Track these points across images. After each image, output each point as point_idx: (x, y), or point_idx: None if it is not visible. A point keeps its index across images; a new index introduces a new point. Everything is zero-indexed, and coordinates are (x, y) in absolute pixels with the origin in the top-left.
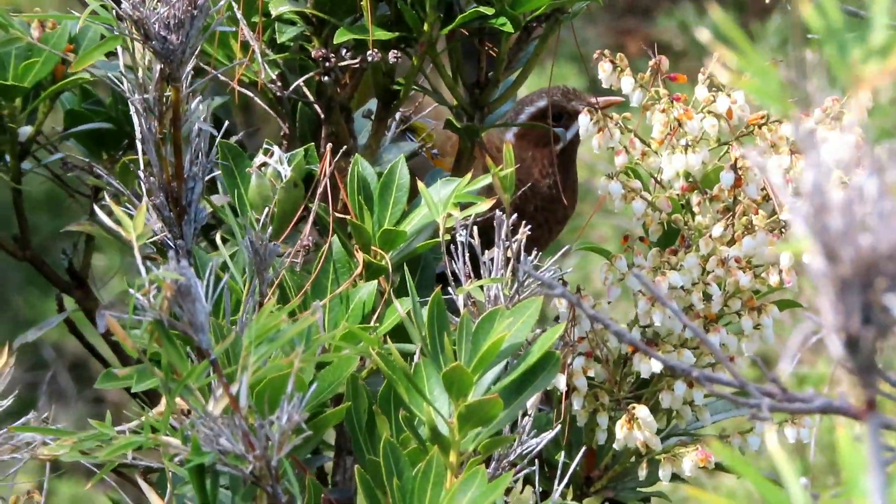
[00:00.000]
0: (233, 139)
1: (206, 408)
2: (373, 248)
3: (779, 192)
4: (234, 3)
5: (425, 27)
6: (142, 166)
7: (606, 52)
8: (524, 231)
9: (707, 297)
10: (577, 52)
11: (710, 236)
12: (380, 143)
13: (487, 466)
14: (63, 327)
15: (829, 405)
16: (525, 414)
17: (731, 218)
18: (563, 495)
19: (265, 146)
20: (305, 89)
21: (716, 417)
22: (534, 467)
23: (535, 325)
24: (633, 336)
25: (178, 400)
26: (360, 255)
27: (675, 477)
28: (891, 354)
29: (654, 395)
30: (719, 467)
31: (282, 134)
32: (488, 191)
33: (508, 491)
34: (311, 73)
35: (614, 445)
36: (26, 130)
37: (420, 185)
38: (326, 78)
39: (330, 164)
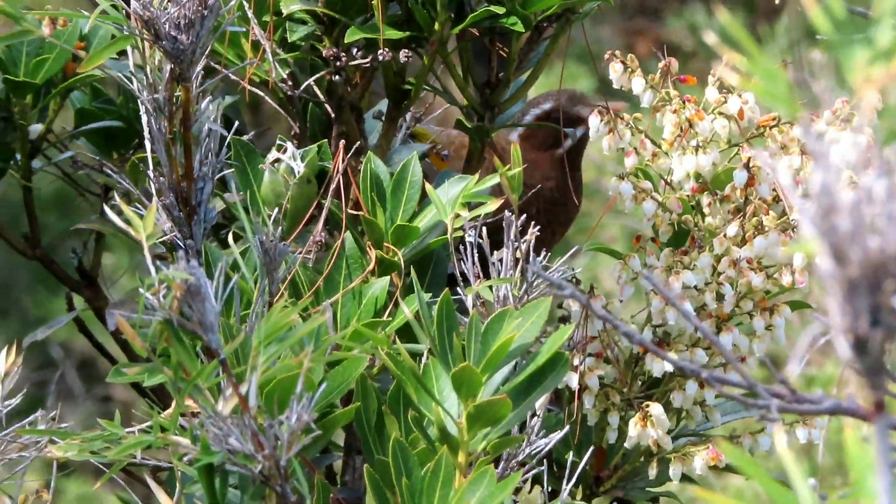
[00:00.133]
0: (243, 139)
1: (216, 407)
2: (385, 244)
3: (789, 193)
4: (244, 3)
5: (436, 27)
6: (151, 166)
7: (617, 52)
8: (533, 232)
9: (720, 297)
10: (587, 53)
11: (725, 235)
12: (390, 143)
13: (496, 466)
14: (71, 326)
15: (838, 406)
16: (534, 414)
17: (743, 218)
18: (573, 495)
19: (278, 142)
20: (316, 89)
21: (726, 418)
22: (542, 467)
23: (544, 325)
24: (643, 337)
25: (187, 400)
26: (372, 252)
27: (684, 477)
28: None
29: (665, 395)
30: (728, 468)
31: (292, 133)
32: (496, 191)
33: (517, 491)
34: (322, 73)
35: (626, 443)
36: (37, 128)
37: (428, 185)
38: (337, 77)
39: (342, 161)
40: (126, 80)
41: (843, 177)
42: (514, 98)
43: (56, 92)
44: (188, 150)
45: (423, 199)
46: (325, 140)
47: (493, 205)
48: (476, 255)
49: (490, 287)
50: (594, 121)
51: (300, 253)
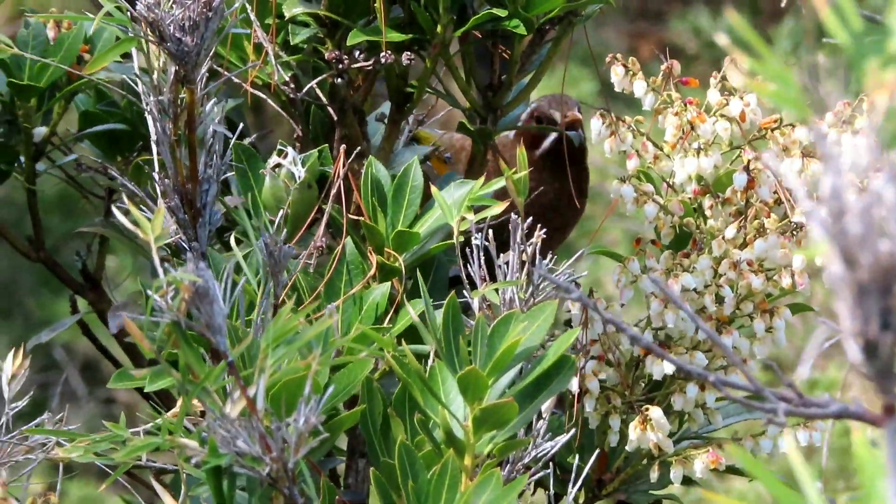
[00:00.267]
0: (245, 141)
1: (224, 410)
2: (386, 249)
3: (797, 196)
4: (247, 5)
5: (438, 29)
6: (156, 168)
7: (619, 55)
8: (539, 234)
9: (719, 300)
10: (589, 56)
11: (724, 238)
12: (393, 145)
13: (502, 469)
14: (74, 328)
15: (846, 410)
16: (539, 417)
17: (744, 221)
18: (575, 498)
19: (279, 147)
20: (318, 91)
21: (727, 421)
22: (548, 470)
23: (550, 328)
24: (649, 340)
25: (193, 402)
26: (373, 257)
27: (687, 480)
28: None
29: (666, 398)
30: (730, 470)
31: (295, 136)
32: (499, 194)
33: (521, 494)
34: (325, 75)
35: (627, 447)
36: (41, 131)
37: (433, 188)
38: (339, 80)
39: (344, 166)
40: (131, 83)
41: (852, 180)
42: (516, 101)
43: (60, 95)
44: (193, 153)
45: (426, 202)
46: (326, 144)
47: (498, 207)
48: (482, 258)
49: (496, 290)
50: (596, 123)
51: (302, 257)
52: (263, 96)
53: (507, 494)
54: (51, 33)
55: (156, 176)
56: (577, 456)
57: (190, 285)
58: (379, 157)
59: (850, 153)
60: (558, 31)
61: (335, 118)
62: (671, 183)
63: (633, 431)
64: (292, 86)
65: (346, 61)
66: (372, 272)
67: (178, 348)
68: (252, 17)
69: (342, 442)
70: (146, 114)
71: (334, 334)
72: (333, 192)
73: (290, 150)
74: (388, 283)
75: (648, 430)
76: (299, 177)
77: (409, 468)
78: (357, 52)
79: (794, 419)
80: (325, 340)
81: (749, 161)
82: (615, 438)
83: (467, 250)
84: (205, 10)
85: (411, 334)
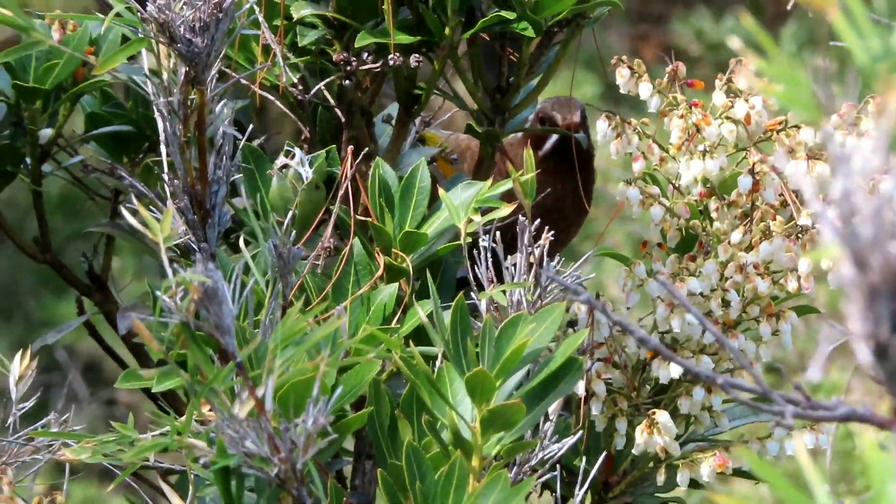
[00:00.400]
0: (254, 143)
1: (232, 410)
2: (394, 250)
3: (803, 198)
4: (255, 7)
5: (447, 31)
6: (165, 169)
7: (624, 58)
8: (547, 237)
9: (726, 304)
10: (593, 59)
11: (730, 242)
12: (400, 147)
13: (509, 471)
14: (76, 329)
15: (854, 413)
16: (547, 419)
17: (749, 223)
18: (582, 501)
19: (286, 148)
20: (326, 93)
21: (734, 423)
22: (555, 472)
23: (557, 330)
24: (657, 342)
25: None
26: (380, 258)
27: (692, 483)
28: None
29: (672, 401)
30: (734, 473)
31: (302, 138)
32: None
33: (527, 496)
34: (333, 77)
35: (633, 450)
36: (47, 132)
37: (441, 190)
38: (347, 82)
39: (351, 167)
40: (139, 84)
41: (861, 182)
42: (524, 103)
43: (66, 97)
44: (202, 154)
45: (433, 204)
46: (334, 145)
47: (505, 209)
48: (490, 260)
49: (503, 291)
50: (602, 125)
51: (310, 258)
52: (271, 98)
53: (515, 496)
54: (56, 35)
55: (165, 177)
56: (583, 458)
57: (199, 286)
58: (386, 158)
59: (859, 155)
60: (566, 34)
61: (343, 120)
62: (677, 185)
63: (640, 435)
64: (300, 87)
65: (354, 63)
66: (379, 273)
67: (186, 349)
68: (260, 18)
69: (349, 443)
70: (155, 115)
71: (342, 335)
72: (341, 193)
73: (297, 151)
74: (396, 284)
75: (655, 434)
76: (307, 178)
77: (417, 469)
78: (365, 54)
79: (800, 422)
80: (334, 341)
81: (754, 164)
82: (622, 441)
83: (475, 252)
84: (215, 11)
85: (419, 335)
